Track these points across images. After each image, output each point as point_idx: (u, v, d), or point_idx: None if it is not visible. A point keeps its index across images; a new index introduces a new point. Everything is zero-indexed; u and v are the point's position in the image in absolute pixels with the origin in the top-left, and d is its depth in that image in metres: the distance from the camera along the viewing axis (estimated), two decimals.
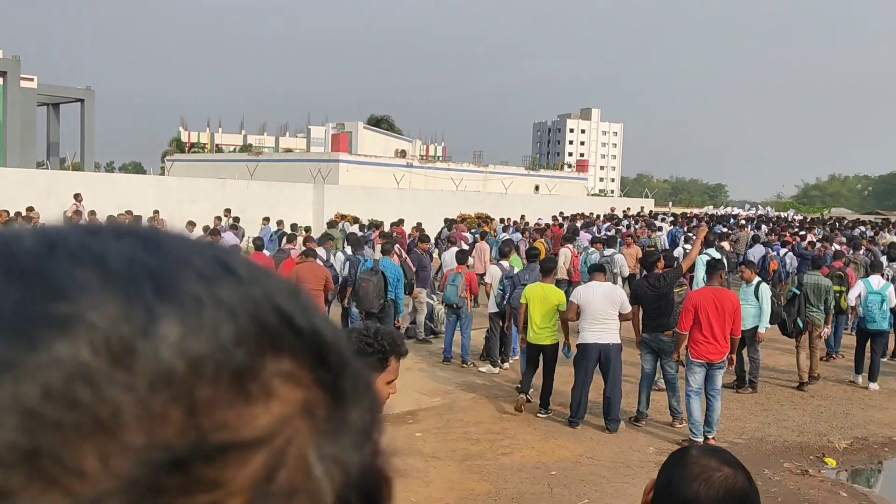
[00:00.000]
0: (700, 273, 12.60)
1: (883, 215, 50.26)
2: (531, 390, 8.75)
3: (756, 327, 9.44)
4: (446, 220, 23.12)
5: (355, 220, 22.92)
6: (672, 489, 1.54)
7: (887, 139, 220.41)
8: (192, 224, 16.63)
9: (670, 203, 67.47)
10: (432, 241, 17.66)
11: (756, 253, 16.77)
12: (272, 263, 11.36)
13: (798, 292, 10.14)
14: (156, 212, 20.11)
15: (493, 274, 10.43)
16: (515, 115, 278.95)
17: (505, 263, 10.47)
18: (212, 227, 17.15)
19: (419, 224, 20.82)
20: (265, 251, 12.70)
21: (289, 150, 47.39)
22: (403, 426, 8.05)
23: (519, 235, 19.41)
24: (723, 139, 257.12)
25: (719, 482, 1.51)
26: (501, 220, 25.60)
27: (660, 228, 24.52)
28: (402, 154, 42.48)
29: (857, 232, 25.17)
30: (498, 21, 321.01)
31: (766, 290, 9.54)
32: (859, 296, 10.29)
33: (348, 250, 12.04)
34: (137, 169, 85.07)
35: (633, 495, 6.22)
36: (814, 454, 7.51)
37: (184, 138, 54.24)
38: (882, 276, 10.67)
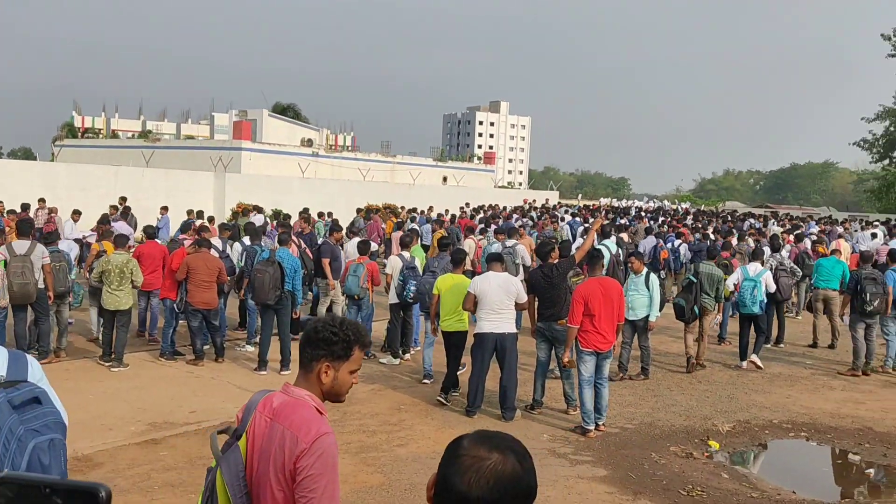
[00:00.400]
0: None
1: (771, 208, 52.91)
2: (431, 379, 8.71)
3: (648, 316, 9.81)
4: (360, 210, 22.85)
5: (259, 210, 22.37)
6: (448, 484, 1.51)
7: (778, 137, 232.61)
8: (77, 213, 15.78)
9: (579, 195, 69.07)
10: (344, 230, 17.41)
11: (647, 244, 17.36)
12: (165, 251, 10.93)
13: (695, 280, 10.62)
14: (41, 200, 19.02)
15: (394, 264, 10.34)
16: (426, 106, 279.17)
17: (406, 254, 10.39)
18: (107, 215, 16.35)
19: (319, 213, 20.52)
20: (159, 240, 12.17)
21: (190, 137, 45.75)
22: None
23: (428, 227, 19.45)
24: (627, 134, 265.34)
25: (489, 471, 1.48)
26: (414, 210, 25.54)
27: (562, 219, 25.05)
28: (309, 143, 41.70)
29: (746, 224, 26.36)
30: (409, 10, 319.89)
31: (655, 279, 9.92)
32: (737, 282, 10.96)
33: (246, 240, 11.69)
34: (27, 154, 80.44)
35: None
36: (699, 437, 7.78)
37: (77, 123, 51.56)
38: (762, 263, 11.27)
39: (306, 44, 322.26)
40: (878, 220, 31.41)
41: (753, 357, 10.92)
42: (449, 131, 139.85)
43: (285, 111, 52.34)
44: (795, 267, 12.78)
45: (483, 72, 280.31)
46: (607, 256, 13.32)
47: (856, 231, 24.80)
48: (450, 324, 8.67)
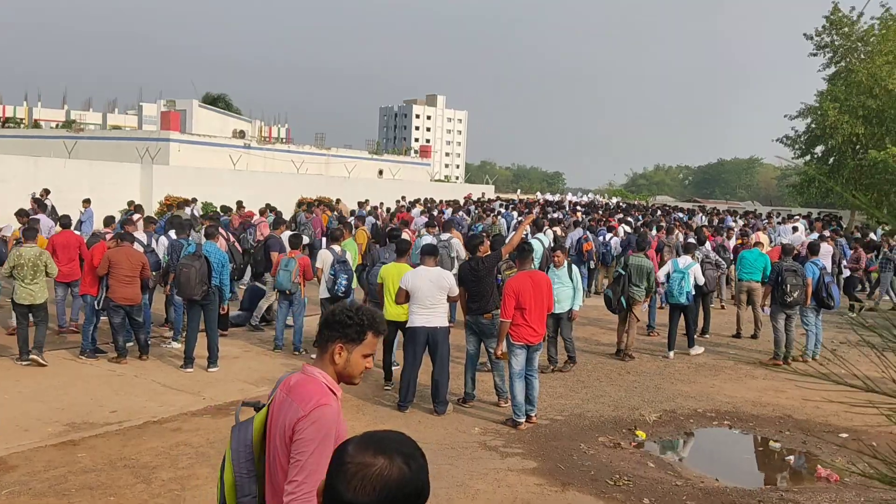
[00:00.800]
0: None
1: (699, 203, 54.44)
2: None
3: (571, 308, 10.03)
4: (302, 204, 22.46)
5: (188, 203, 21.78)
6: (334, 493, 1.49)
7: (706, 133, 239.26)
8: None
9: (518, 190, 69.65)
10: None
11: (574, 236, 17.70)
12: (81, 241, 10.57)
13: (623, 272, 10.94)
14: None
15: (324, 258, 10.20)
16: (363, 98, 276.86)
17: (337, 248, 10.25)
18: (33, 209, 15.66)
19: (271, 207, 20.09)
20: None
21: (117, 128, 44.25)
22: (225, 418, 7.70)
23: (371, 220, 19.38)
24: (562, 129, 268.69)
25: (374, 477, 1.46)
26: (360, 204, 25.31)
27: (498, 213, 25.20)
28: (241, 134, 40.84)
29: (672, 218, 27.00)
30: (344, 2, 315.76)
31: (576, 270, 10.14)
32: (668, 273, 11.38)
33: (173, 234, 11.37)
34: None
35: (455, 476, 6.28)
36: (626, 427, 7.91)
37: None
38: (693, 257, 11.57)
39: (240, 33, 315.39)
40: (799, 214, 32.64)
41: (692, 351, 11.42)
42: (385, 124, 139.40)
43: (216, 102, 51.17)
44: (720, 259, 13.13)
45: (420, 65, 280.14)
46: (540, 250, 13.45)
47: (779, 224, 25.65)
48: (398, 314, 8.58)
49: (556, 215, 24.56)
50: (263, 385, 8.93)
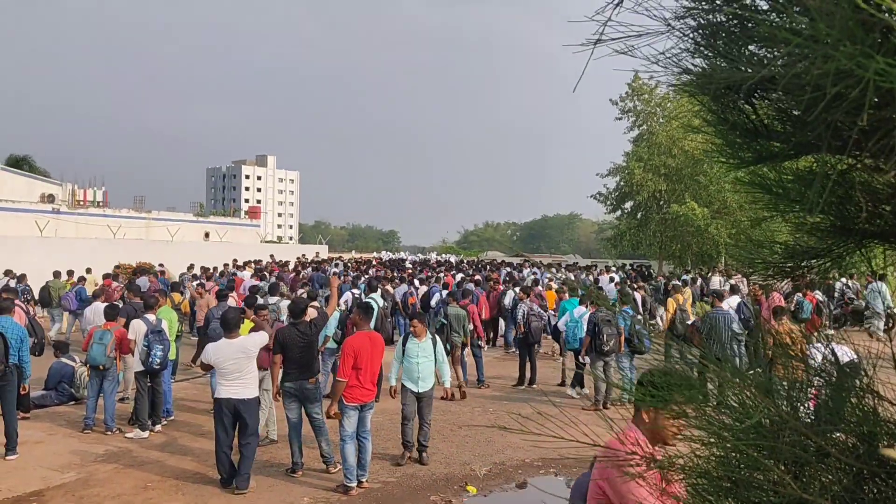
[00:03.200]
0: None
1: (525, 257, 56.89)
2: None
3: (433, 386, 8.78)
4: (142, 271, 21.01)
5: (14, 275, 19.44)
6: None
7: (531, 191, 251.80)
8: None
9: (353, 251, 69.65)
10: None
11: (399, 291, 18.12)
12: None
13: (445, 322, 12.32)
14: None
15: (137, 329, 9.57)
16: (188, 159, 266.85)
17: (151, 316, 9.67)
18: None
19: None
20: None
21: None
22: None
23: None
24: (395, 187, 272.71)
25: None
26: (190, 268, 24.21)
27: (335, 273, 25.02)
28: (50, 198, 37.98)
29: (504, 272, 28.02)
30: (164, 62, 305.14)
31: (439, 341, 9.01)
32: (566, 322, 12.92)
33: None
34: None
35: None
36: (458, 484, 7.94)
37: None
38: (587, 306, 12.88)
39: (49, 91, 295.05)
40: (614, 265, 34.93)
41: (572, 392, 12.58)
42: (213, 185, 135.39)
43: (19, 164, 47.45)
44: (542, 311, 13.72)
45: (248, 125, 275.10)
46: (376, 310, 13.48)
47: (600, 275, 27.24)
48: None
49: (395, 274, 24.78)
50: (70, 471, 8.17)
